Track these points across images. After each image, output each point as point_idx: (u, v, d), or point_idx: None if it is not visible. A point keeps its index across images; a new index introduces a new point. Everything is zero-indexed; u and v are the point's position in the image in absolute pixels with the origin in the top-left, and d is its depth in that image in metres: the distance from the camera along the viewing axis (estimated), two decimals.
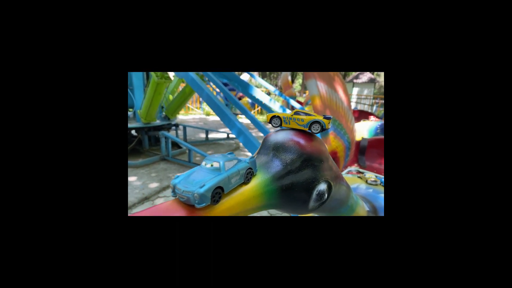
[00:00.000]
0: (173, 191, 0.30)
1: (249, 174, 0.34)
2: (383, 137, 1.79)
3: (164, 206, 0.29)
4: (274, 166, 0.36)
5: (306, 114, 0.40)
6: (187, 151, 2.85)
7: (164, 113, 3.26)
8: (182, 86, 3.65)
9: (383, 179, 0.68)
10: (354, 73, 11.68)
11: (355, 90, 11.28)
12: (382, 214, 0.57)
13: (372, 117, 2.48)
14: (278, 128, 0.42)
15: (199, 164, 0.34)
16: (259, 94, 2.35)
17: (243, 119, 5.27)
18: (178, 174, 0.32)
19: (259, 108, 6.50)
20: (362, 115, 2.87)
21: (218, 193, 0.30)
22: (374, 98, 8.37)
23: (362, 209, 0.52)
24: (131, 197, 1.93)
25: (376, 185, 0.66)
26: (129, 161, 2.56)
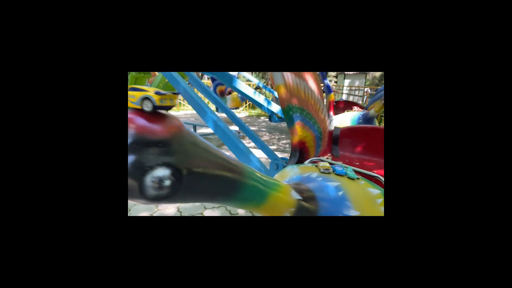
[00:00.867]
0: None
1: None
2: (356, 126, 1.81)
3: None
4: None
5: (139, 90, 0.35)
6: None
7: None
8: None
9: (339, 168, 0.66)
10: None
11: (347, 82, 11.28)
12: (323, 203, 0.56)
13: (355, 107, 2.51)
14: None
15: None
16: (242, 86, 2.34)
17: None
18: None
19: (250, 103, 6.47)
20: (347, 105, 2.90)
21: None
22: (365, 89, 8.40)
23: (284, 197, 0.49)
24: None
25: (329, 173, 0.65)
26: None
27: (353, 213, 0.53)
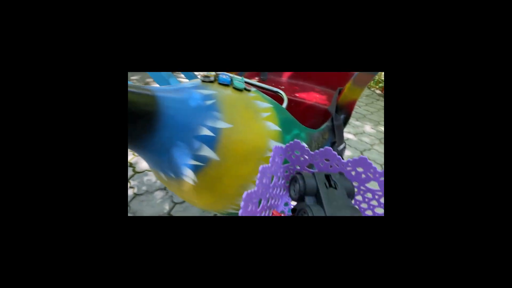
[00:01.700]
0: None
1: None
2: None
3: None
4: None
5: None
6: None
7: None
8: None
9: (224, 77, 0.56)
10: None
11: None
12: (167, 109, 0.46)
13: None
14: None
15: None
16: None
17: None
18: None
19: None
20: None
21: None
22: None
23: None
24: None
25: (210, 82, 0.54)
26: None
27: (221, 124, 0.49)
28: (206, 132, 0.48)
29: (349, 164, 0.43)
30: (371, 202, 0.46)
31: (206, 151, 0.49)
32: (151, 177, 1.51)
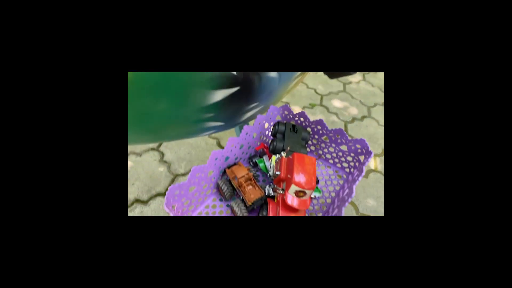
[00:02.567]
0: None
1: None
2: None
3: None
4: None
5: None
6: None
7: None
8: None
9: None
10: None
11: None
12: None
13: None
14: None
15: None
16: None
17: None
18: None
19: None
20: None
21: None
22: None
23: None
24: None
25: None
26: None
27: None
28: None
29: (314, 123, 0.74)
30: (323, 149, 0.77)
31: None
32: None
